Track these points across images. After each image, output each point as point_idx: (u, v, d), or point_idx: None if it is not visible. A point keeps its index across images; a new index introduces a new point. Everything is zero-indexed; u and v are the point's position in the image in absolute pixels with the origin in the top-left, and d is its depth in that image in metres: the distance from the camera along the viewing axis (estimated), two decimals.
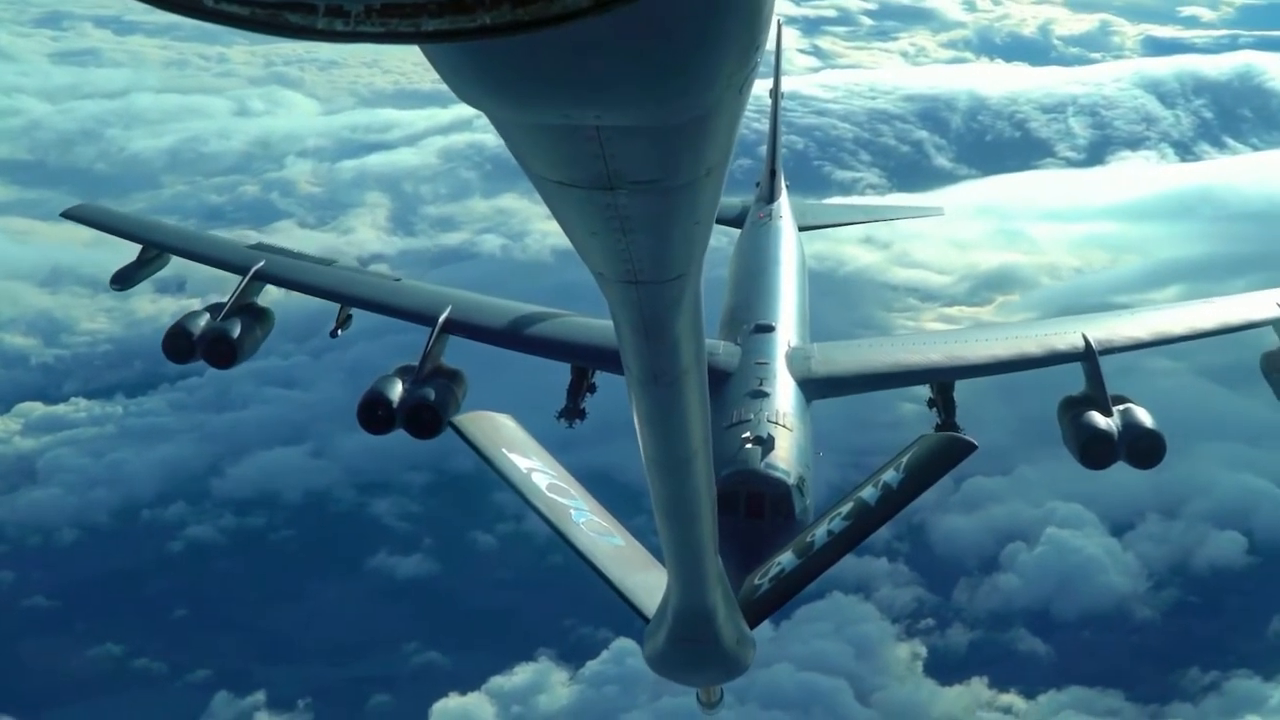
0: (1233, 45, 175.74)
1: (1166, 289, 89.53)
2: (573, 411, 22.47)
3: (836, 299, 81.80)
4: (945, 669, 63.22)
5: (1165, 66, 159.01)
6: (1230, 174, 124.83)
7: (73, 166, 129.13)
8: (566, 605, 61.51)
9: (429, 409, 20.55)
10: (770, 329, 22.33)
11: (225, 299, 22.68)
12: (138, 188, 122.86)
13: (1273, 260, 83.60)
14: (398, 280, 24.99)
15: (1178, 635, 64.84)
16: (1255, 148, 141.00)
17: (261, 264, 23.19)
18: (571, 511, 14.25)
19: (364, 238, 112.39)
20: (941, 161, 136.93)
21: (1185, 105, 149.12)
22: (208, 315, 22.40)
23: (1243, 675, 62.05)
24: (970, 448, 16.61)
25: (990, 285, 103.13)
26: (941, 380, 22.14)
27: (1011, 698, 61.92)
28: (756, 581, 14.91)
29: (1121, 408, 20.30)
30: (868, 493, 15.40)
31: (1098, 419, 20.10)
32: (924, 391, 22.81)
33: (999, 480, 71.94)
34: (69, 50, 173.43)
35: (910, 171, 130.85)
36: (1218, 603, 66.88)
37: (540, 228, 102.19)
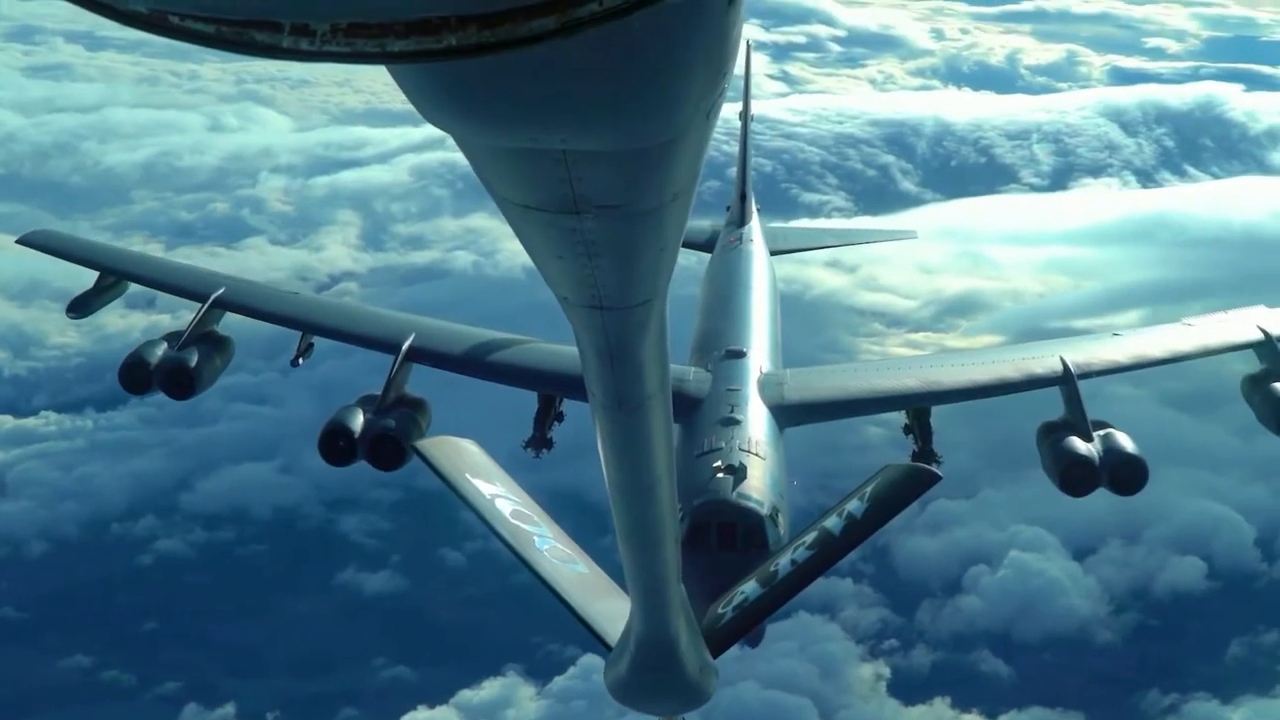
0: (1195, 76, 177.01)
1: (1127, 313, 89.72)
2: (540, 441, 22.08)
3: (802, 323, 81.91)
4: (908, 689, 63.52)
5: (1129, 96, 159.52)
6: (1188, 201, 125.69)
7: (48, 179, 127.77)
8: (534, 622, 61.08)
9: (391, 440, 20.05)
10: (742, 354, 21.86)
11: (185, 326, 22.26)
12: (109, 203, 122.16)
13: (1224, 286, 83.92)
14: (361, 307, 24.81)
15: (1138, 658, 65.36)
16: (1215, 176, 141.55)
17: (221, 291, 22.70)
18: (535, 538, 14.35)
19: (334, 255, 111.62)
20: (907, 185, 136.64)
21: (1147, 134, 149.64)
22: (165, 344, 21.95)
23: (1201, 698, 62.64)
24: (934, 478, 16.77)
25: (955, 310, 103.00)
26: (918, 406, 21.60)
27: (973, 718, 62.39)
28: (720, 610, 14.78)
29: (1102, 433, 19.81)
30: (832, 522, 15.35)
31: (1078, 444, 19.62)
32: (894, 415, 22.44)
33: (963, 504, 71.94)
34: (41, 65, 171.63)
35: (876, 195, 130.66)
36: (1178, 627, 67.31)
37: (511, 246, 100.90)
